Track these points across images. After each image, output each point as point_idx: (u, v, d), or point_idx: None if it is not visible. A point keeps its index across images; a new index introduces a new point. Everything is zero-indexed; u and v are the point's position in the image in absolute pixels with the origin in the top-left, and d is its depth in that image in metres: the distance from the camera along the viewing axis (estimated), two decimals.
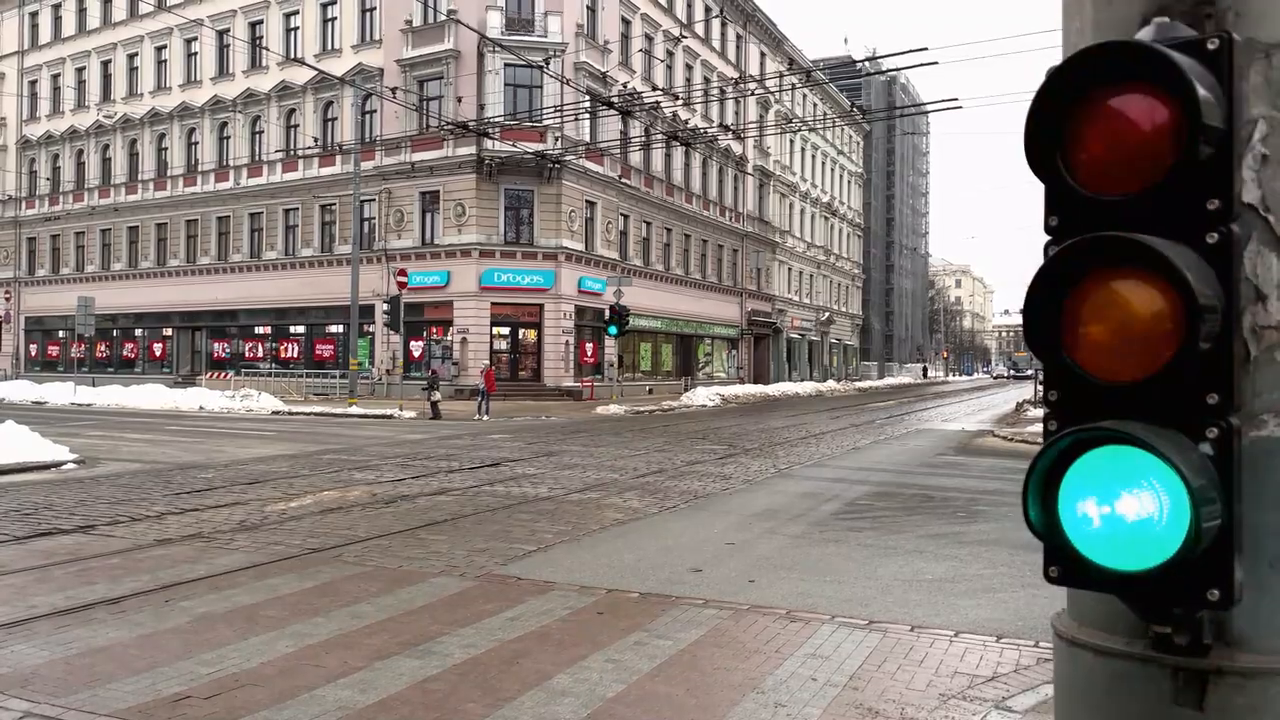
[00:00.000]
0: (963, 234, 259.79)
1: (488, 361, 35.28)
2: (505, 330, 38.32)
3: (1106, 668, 1.66)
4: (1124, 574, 1.52)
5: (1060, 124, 1.62)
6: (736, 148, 52.70)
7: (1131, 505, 1.51)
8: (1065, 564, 1.59)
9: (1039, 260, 1.66)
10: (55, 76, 52.52)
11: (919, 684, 5.32)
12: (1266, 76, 1.57)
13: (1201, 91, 1.45)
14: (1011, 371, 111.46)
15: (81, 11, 51.15)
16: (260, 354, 44.67)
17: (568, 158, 36.78)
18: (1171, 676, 1.58)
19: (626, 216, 43.49)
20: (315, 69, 35.30)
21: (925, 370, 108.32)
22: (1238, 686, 1.54)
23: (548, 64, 34.22)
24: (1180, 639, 1.55)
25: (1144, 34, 1.58)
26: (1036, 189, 1.70)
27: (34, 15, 53.66)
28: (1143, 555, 1.49)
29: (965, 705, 5.00)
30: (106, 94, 50.30)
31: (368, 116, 39.94)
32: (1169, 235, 1.51)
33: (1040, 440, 1.66)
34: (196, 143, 46.97)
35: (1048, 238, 1.67)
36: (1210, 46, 1.52)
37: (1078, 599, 1.76)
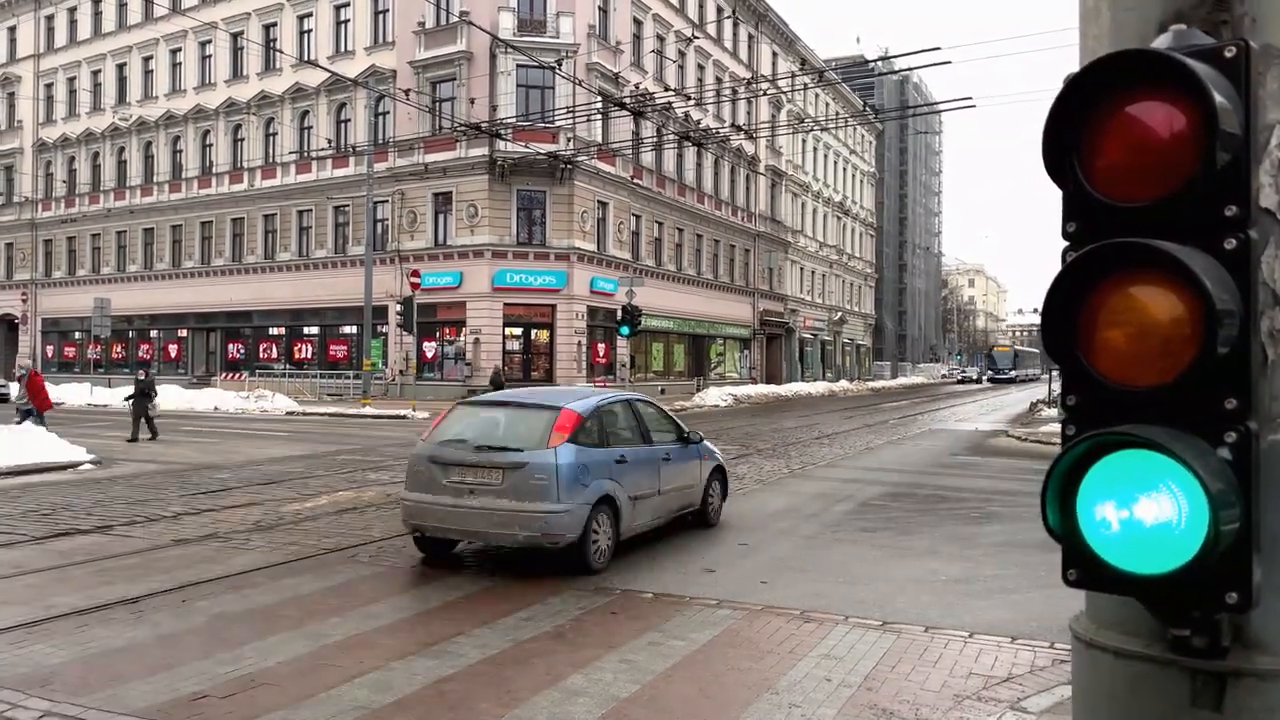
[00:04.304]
0: (976, 233, 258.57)
1: (30, 363, 25.99)
2: (518, 331, 38.37)
3: (1125, 670, 1.67)
4: (1142, 577, 1.52)
5: (1078, 131, 1.62)
6: (749, 148, 52.62)
7: (1150, 509, 1.52)
8: (1084, 567, 1.60)
9: (1054, 260, 1.67)
10: (71, 79, 52.85)
11: (933, 685, 5.32)
12: None
13: (1218, 99, 1.46)
14: (988, 373, 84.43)
15: (96, 15, 51.44)
16: (274, 355, 44.85)
17: (580, 158, 36.80)
18: (1190, 679, 1.58)
19: (638, 217, 43.50)
20: (329, 71, 35.42)
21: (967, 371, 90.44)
22: (1256, 689, 1.55)
23: (560, 65, 34.28)
24: (1198, 641, 1.56)
25: (1161, 41, 1.58)
26: (1052, 188, 1.71)
27: (49, 19, 54.01)
28: (1161, 559, 1.50)
29: (980, 706, 5.00)
30: (121, 97, 50.59)
31: (381, 118, 40.04)
32: (1187, 241, 1.52)
33: (1054, 440, 1.67)
34: (211, 145, 47.20)
35: (1065, 243, 1.68)
36: (1227, 54, 1.52)
37: (1096, 601, 1.77)
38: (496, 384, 30.95)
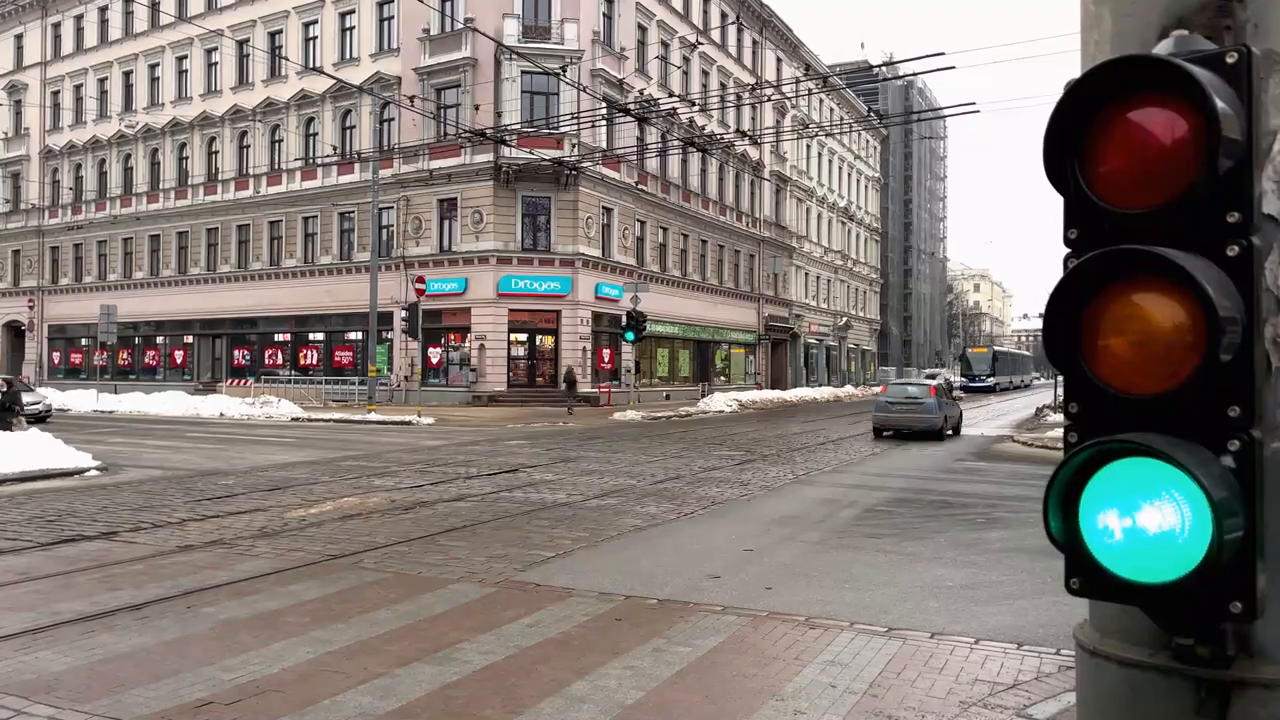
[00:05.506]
0: (981, 238, 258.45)
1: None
2: (523, 336, 38.41)
3: (1129, 679, 1.66)
4: (1146, 586, 1.51)
5: (1079, 137, 1.62)
6: (753, 153, 52.66)
7: (1153, 517, 1.51)
8: (1087, 576, 1.59)
9: (1058, 266, 1.66)
10: (78, 87, 53.05)
11: (939, 691, 5.31)
12: None
13: (1221, 105, 1.45)
14: (960, 380, 68.34)
15: (103, 23, 51.68)
16: (280, 361, 44.93)
17: (585, 164, 36.86)
18: (1194, 688, 1.57)
19: (643, 222, 43.52)
20: (334, 78, 35.53)
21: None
22: (1261, 699, 1.54)
23: (564, 71, 34.33)
24: (1203, 651, 1.55)
25: (1162, 47, 1.58)
26: (1056, 193, 1.70)
27: (56, 26, 54.26)
28: (1164, 567, 1.49)
29: (986, 713, 4.98)
30: (128, 104, 50.78)
31: (386, 125, 40.15)
32: (1189, 248, 1.51)
33: (1060, 446, 1.67)
34: (217, 152, 47.35)
35: (1067, 250, 1.67)
36: (1229, 60, 1.51)
37: (1100, 610, 1.75)
38: (570, 382, 34.54)
